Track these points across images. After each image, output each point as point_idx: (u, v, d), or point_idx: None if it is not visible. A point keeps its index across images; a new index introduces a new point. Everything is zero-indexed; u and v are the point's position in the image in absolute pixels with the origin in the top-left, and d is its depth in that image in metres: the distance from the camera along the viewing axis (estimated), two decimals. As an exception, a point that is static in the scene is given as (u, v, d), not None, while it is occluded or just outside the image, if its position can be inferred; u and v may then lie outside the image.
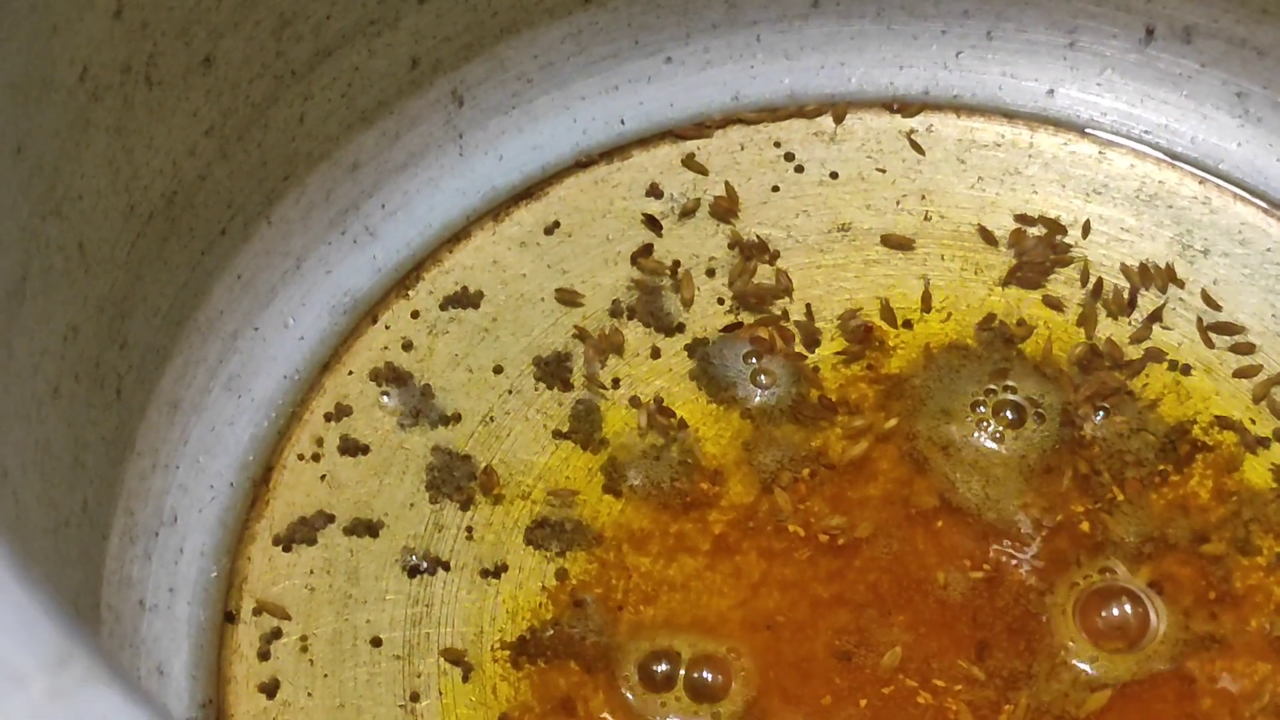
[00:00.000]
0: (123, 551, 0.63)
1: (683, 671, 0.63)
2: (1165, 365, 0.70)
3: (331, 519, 0.67)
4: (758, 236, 0.73)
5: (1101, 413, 0.68)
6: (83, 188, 0.58)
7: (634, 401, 0.69)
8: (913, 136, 0.76)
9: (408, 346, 0.71)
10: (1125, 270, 0.72)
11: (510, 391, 0.70)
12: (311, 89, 0.68)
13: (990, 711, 0.63)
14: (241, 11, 0.63)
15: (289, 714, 0.63)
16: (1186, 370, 0.70)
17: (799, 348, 0.70)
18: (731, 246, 0.73)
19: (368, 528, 0.67)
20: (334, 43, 0.68)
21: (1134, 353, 0.70)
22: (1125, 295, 0.72)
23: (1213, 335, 0.71)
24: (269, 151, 0.68)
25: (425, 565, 0.66)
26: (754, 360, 0.70)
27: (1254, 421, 0.69)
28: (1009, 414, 0.68)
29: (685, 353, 0.70)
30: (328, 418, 0.69)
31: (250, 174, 0.67)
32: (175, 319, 0.66)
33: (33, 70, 0.54)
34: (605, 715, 0.63)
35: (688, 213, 0.74)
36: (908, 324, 0.71)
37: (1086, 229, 0.73)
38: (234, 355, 0.69)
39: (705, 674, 0.63)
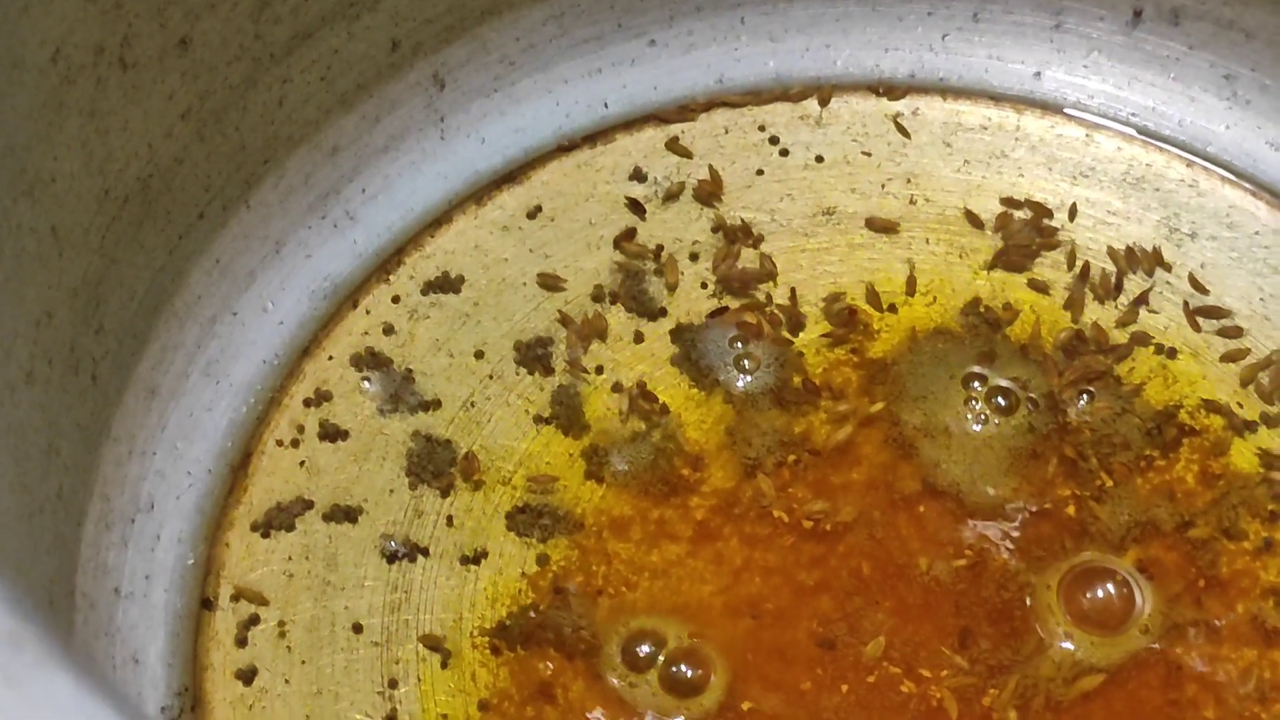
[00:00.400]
0: (98, 538, 0.63)
1: (662, 658, 0.63)
2: (1151, 349, 0.69)
3: (310, 505, 0.66)
4: (742, 220, 0.72)
5: (1086, 397, 0.68)
6: (55, 170, 0.58)
7: (616, 387, 0.69)
8: (898, 120, 0.75)
9: (388, 331, 0.70)
10: (1112, 254, 0.72)
11: (491, 377, 0.69)
12: (290, 72, 0.67)
13: (975, 697, 0.62)
14: (218, -7, 0.63)
15: (266, 701, 0.63)
16: (1173, 354, 0.69)
17: (785, 333, 0.70)
18: (715, 230, 0.72)
19: (347, 514, 0.66)
20: (313, 25, 0.67)
21: (1120, 337, 0.70)
22: (1112, 279, 0.71)
23: (1200, 319, 0.70)
24: (247, 135, 0.67)
25: (404, 551, 0.65)
26: (738, 345, 0.69)
27: (1241, 405, 0.68)
28: (994, 399, 0.68)
29: (668, 337, 0.70)
30: (307, 403, 0.69)
31: (228, 157, 0.67)
32: (152, 304, 0.65)
33: (3, 51, 0.54)
34: (585, 702, 0.62)
35: (671, 196, 0.73)
36: (892, 308, 0.71)
37: (1073, 212, 0.73)
38: (212, 340, 0.68)
39: (684, 668, 0.62)
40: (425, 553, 0.66)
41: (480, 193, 0.73)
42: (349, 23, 0.68)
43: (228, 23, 0.63)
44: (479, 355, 0.70)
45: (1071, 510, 0.66)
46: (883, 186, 0.74)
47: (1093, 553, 0.65)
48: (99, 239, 0.61)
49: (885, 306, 0.70)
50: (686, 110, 0.75)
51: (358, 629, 0.64)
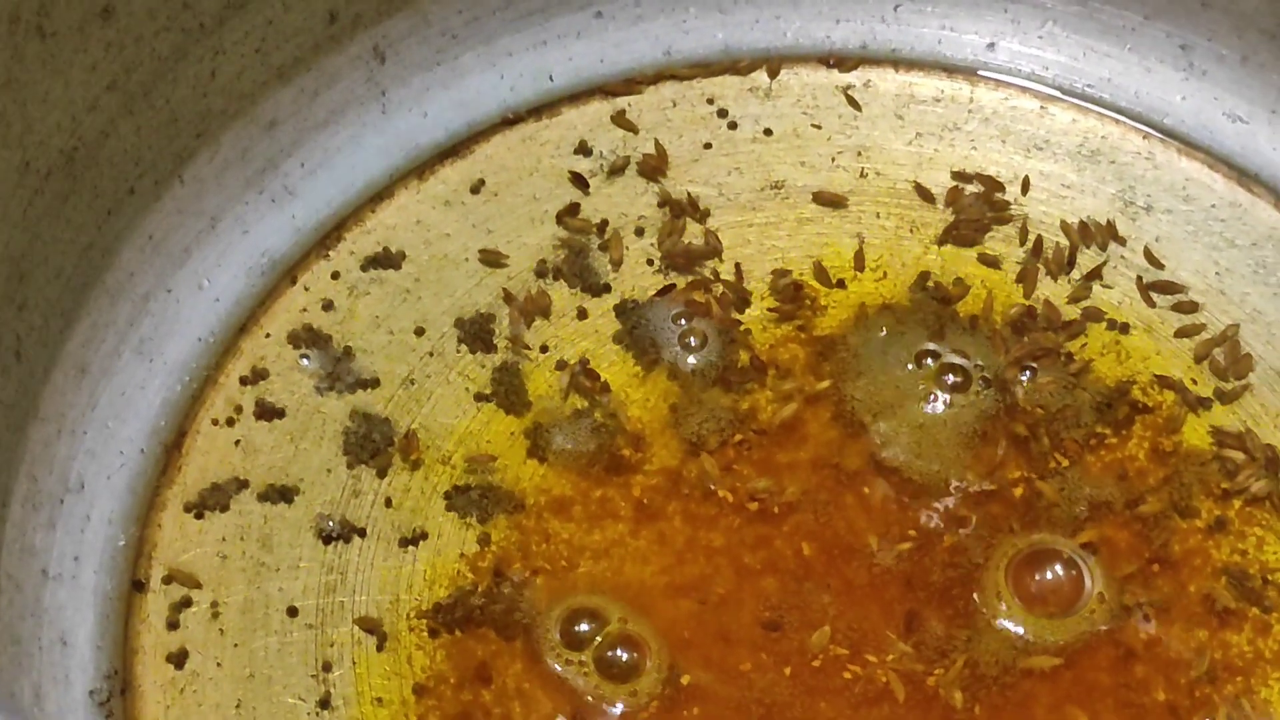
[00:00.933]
0: (25, 519, 0.61)
1: (599, 639, 0.61)
2: (1104, 325, 0.68)
3: (245, 485, 0.65)
4: (688, 195, 0.71)
5: (1035, 375, 0.66)
6: (-29, 142, 0.57)
7: (559, 364, 0.67)
8: (849, 92, 0.74)
9: (327, 308, 0.69)
10: (1065, 228, 0.70)
11: (432, 354, 0.68)
12: (223, 43, 0.66)
13: (921, 678, 0.61)
14: (145, -39, 0.61)
15: (197, 684, 0.62)
16: (1125, 329, 0.68)
17: (734, 315, 0.68)
18: (661, 205, 0.71)
19: (282, 494, 0.65)
20: (245, -5, 0.66)
21: (1072, 312, 0.68)
22: (1065, 254, 0.70)
23: (1154, 294, 0.69)
24: (179, 108, 0.66)
25: (341, 532, 0.64)
26: (683, 322, 0.68)
27: (1195, 381, 0.67)
28: (944, 376, 0.66)
29: (612, 314, 0.69)
30: (243, 381, 0.67)
31: (159, 131, 0.65)
32: (81, 280, 0.64)
33: (-89, 19, 0.52)
34: (523, 685, 0.61)
35: (617, 171, 0.72)
36: (841, 283, 0.69)
37: (1026, 185, 0.71)
38: (145, 318, 0.67)
39: (621, 651, 0.61)
40: (362, 533, 0.64)
41: (422, 167, 0.72)
42: (283, -8, 0.67)
43: (154, -8, 0.62)
44: (419, 332, 0.68)
45: (1021, 490, 0.64)
46: (833, 160, 0.72)
47: (1042, 534, 0.63)
48: (20, 213, 0.59)
49: (834, 282, 0.69)
50: (633, 83, 0.74)
51: (292, 611, 0.63)
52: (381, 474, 0.65)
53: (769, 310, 0.68)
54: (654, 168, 0.71)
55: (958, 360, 0.67)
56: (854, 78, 0.74)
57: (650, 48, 0.74)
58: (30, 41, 0.57)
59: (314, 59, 0.69)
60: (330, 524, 0.64)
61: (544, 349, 0.68)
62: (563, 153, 0.72)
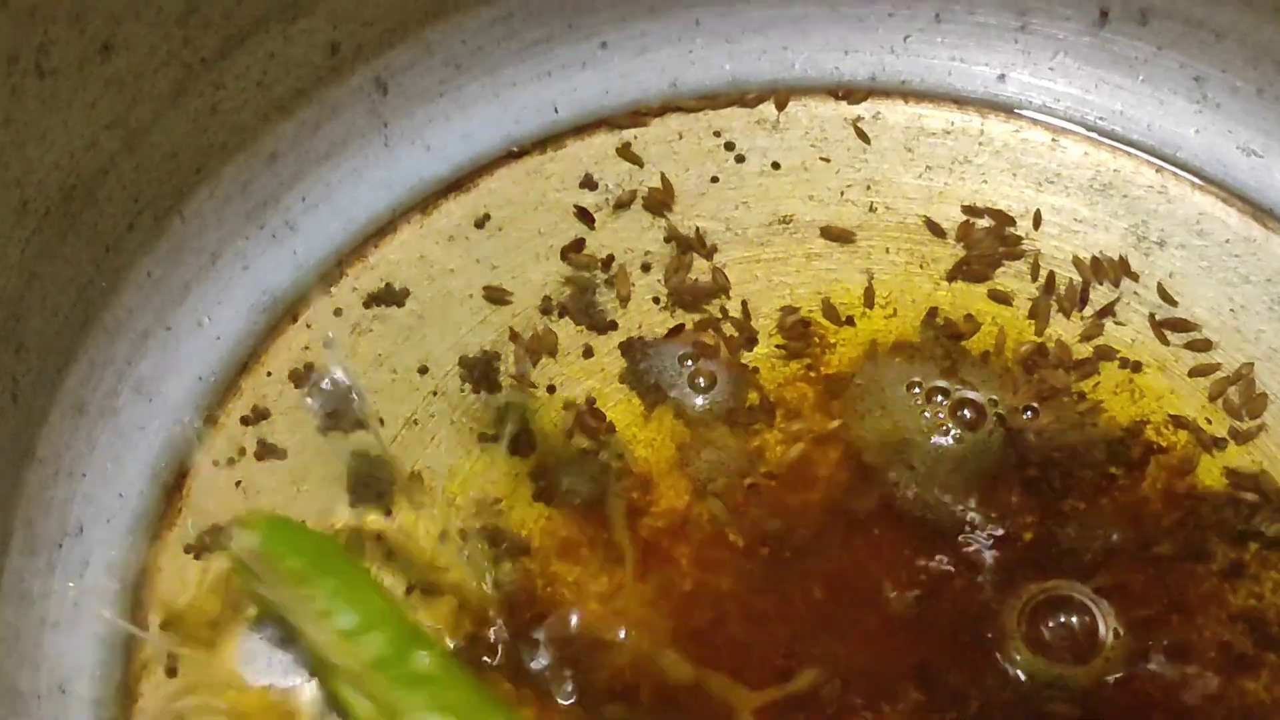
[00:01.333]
0: (22, 565, 0.61)
1: (613, 684, 0.61)
2: (1117, 363, 0.67)
3: (247, 527, 0.64)
4: (695, 229, 0.70)
5: (1046, 415, 0.65)
6: (-32, 183, 0.56)
7: (566, 405, 0.66)
8: (858, 124, 0.73)
9: (329, 346, 0.68)
10: (1077, 263, 0.69)
11: (435, 393, 0.67)
12: (224, 78, 0.65)
13: (934, 726, 0.60)
14: (143, -4, 0.60)
15: (198, 734, 0.61)
16: (1138, 368, 0.67)
17: (742, 355, 0.67)
18: (668, 240, 0.70)
19: (284, 537, 0.64)
20: (246, 29, 0.65)
21: (1084, 351, 0.67)
22: (1078, 290, 0.69)
23: (1167, 331, 0.68)
24: (179, 143, 0.65)
25: (343, 576, 0.63)
26: (690, 362, 0.67)
27: (1209, 421, 0.66)
28: (956, 414, 0.66)
29: (618, 352, 0.68)
30: (245, 421, 0.66)
31: (159, 167, 0.64)
32: (79, 319, 0.63)
33: (-93, 62, 0.51)
34: (530, 733, 0.60)
35: (622, 205, 0.71)
36: (850, 321, 0.68)
37: (1038, 220, 0.70)
38: (144, 357, 0.66)
39: (627, 696, 0.60)
40: (365, 577, 0.63)
41: (426, 201, 0.71)
42: (285, 26, 0.66)
43: (153, 28, 0.61)
44: (423, 371, 0.67)
45: (1034, 533, 0.64)
46: (841, 194, 0.71)
47: (1055, 579, 0.62)
48: (18, 253, 0.59)
49: (843, 319, 0.68)
50: (639, 115, 0.73)
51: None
52: (385, 516, 0.64)
53: (777, 348, 0.67)
54: (660, 202, 0.70)
55: (969, 397, 0.66)
56: (863, 110, 0.73)
57: (656, 79, 0.73)
58: (29, 80, 0.57)
59: (315, 91, 0.68)
60: (333, 567, 0.63)
61: (550, 388, 0.67)
62: (568, 186, 0.71)
